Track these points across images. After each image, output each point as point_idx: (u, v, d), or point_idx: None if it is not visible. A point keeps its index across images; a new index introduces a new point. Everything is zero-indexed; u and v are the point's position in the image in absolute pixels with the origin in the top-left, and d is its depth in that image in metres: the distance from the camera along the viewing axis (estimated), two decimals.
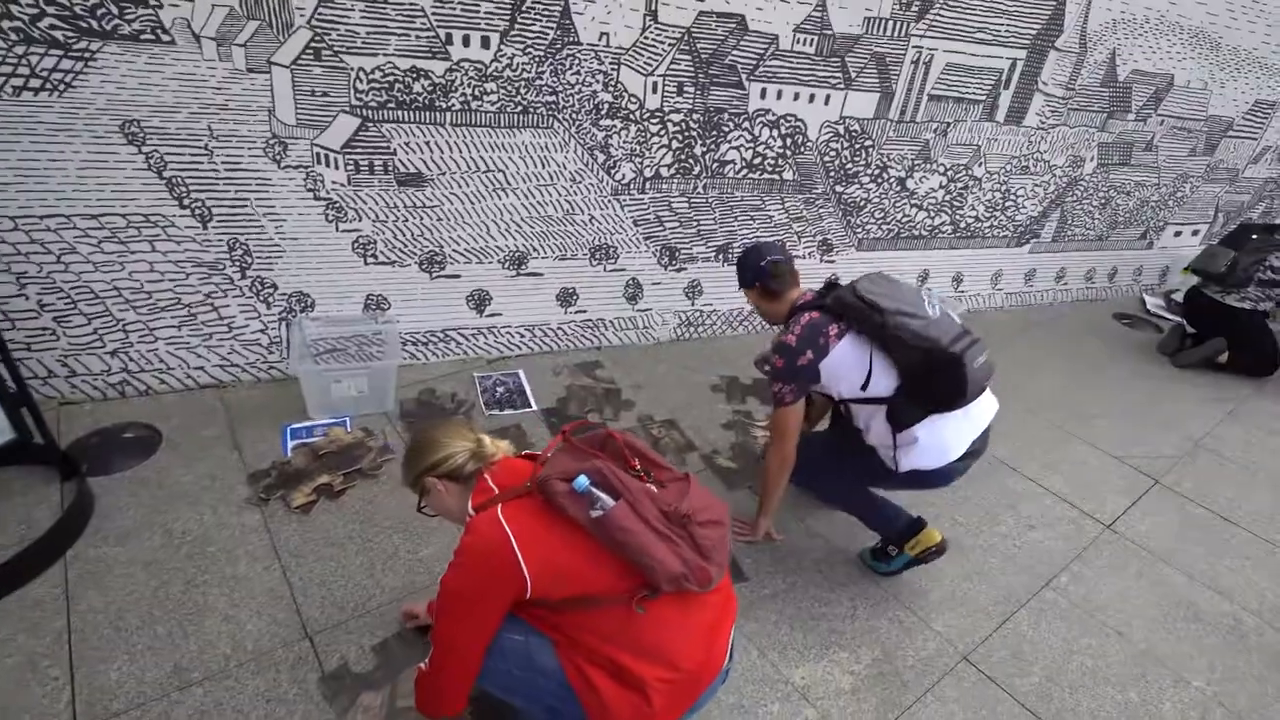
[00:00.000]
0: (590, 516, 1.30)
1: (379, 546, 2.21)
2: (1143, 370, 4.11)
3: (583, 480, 1.32)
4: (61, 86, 2.18)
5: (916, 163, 3.79)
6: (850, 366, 1.99)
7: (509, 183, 2.93)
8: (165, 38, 2.21)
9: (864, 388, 1.98)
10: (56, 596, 1.93)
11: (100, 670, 1.76)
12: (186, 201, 2.48)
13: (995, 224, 4.33)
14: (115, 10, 2.14)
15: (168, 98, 2.30)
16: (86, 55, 2.16)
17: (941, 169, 3.89)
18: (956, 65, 3.55)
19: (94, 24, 2.13)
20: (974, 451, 2.08)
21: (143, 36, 2.19)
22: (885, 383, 1.96)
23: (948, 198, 4.03)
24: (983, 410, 2.07)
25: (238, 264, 2.66)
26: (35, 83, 2.15)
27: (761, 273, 2.15)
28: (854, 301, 1.96)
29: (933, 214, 4.04)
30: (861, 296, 1.95)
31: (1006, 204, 4.28)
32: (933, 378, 1.89)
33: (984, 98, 3.76)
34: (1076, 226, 4.68)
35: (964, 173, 3.98)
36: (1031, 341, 4.32)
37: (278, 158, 2.53)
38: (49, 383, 2.58)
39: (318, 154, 2.57)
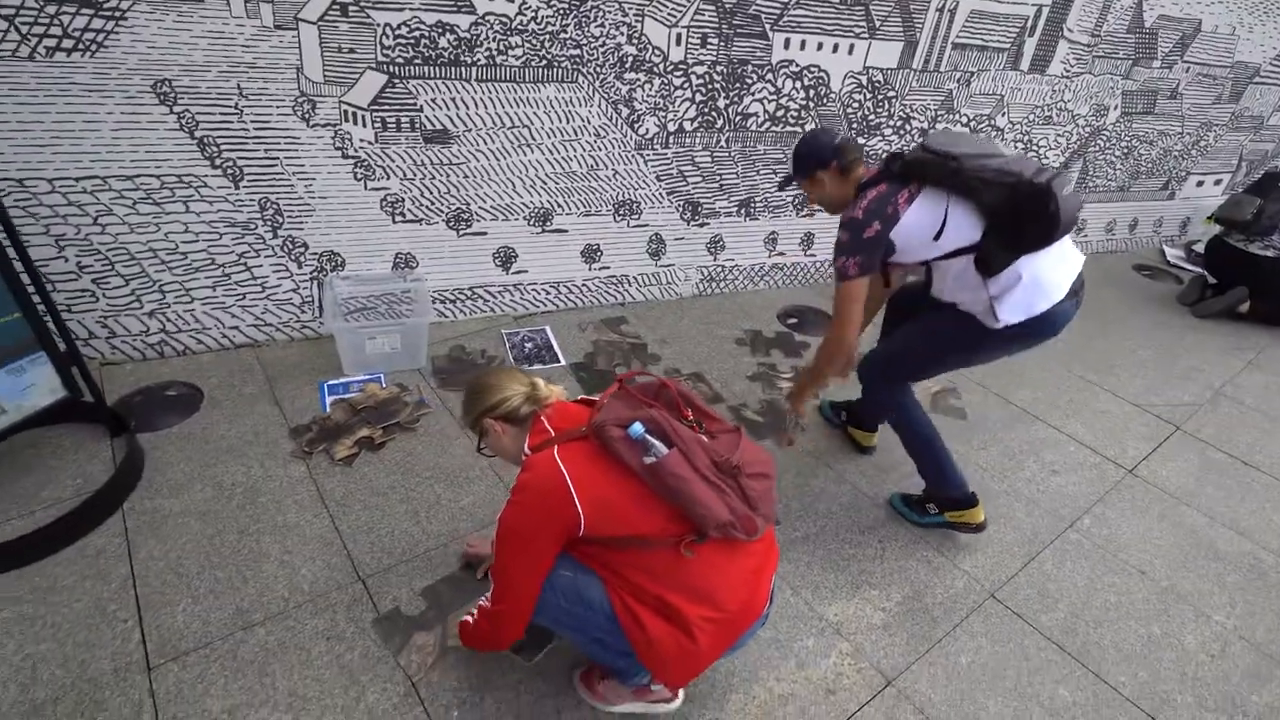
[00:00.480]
0: (644, 463, 1.35)
1: (421, 495, 2.29)
2: (1163, 321, 4.12)
3: (638, 427, 1.36)
4: (94, 46, 2.19)
5: (939, 113, 3.76)
6: (924, 225, 1.90)
7: (534, 138, 2.93)
8: None
9: (937, 238, 1.90)
10: (118, 545, 2.02)
11: (166, 613, 1.85)
12: (218, 161, 2.51)
13: None
14: None
15: (198, 56, 2.31)
16: (117, 14, 2.17)
17: (964, 119, 3.85)
18: (982, 12, 3.49)
19: None
20: (1075, 290, 1.97)
21: None
22: (967, 231, 1.88)
23: None
24: (1073, 251, 1.99)
25: (269, 224, 2.69)
26: (68, 43, 2.16)
27: (837, 150, 2.02)
28: (926, 156, 1.89)
29: None
30: (934, 150, 1.88)
31: (1028, 155, 4.24)
32: (1022, 213, 1.80)
33: (1008, 45, 3.70)
34: (1098, 177, 4.63)
35: (986, 123, 3.94)
36: None
37: (306, 116, 2.54)
38: (90, 344, 2.64)
39: (345, 111, 2.58)
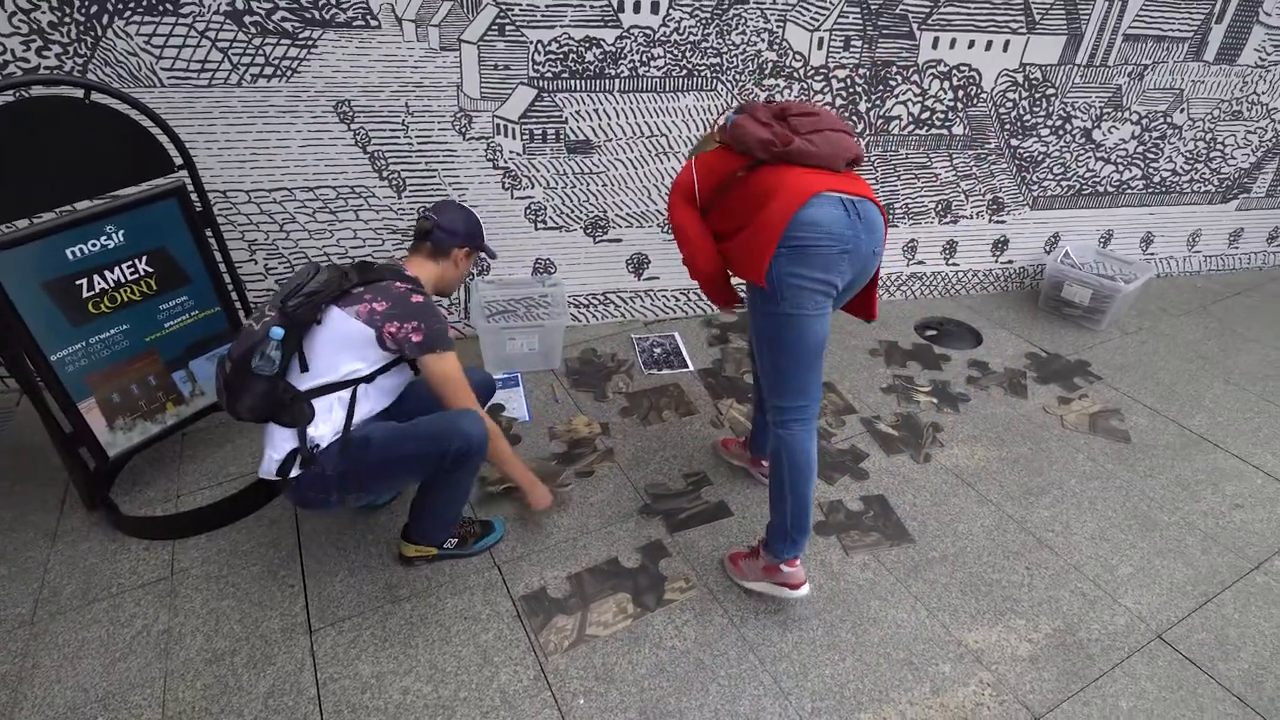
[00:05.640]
0: (725, 129, 1.76)
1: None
2: None
3: (731, 116, 1.76)
4: (288, 73, 2.46)
5: (1105, 111, 3.47)
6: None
7: (671, 147, 2.99)
8: (373, 22, 2.44)
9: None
10: (288, 518, 2.24)
11: (327, 582, 2.03)
12: (385, 173, 2.74)
13: (1196, 178, 3.89)
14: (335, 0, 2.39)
15: (374, 78, 2.54)
16: (309, 43, 2.43)
17: (1135, 117, 3.53)
18: None
19: (316, 14, 2.39)
20: None
21: (355, 23, 2.43)
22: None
23: (1140, 149, 3.66)
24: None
25: None
26: (269, 70, 2.44)
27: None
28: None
29: (1121, 168, 3.69)
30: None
31: (1211, 155, 3.82)
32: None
33: (1191, 34, 3.36)
34: None
35: (1161, 121, 3.60)
36: (1233, 309, 3.86)
37: (463, 130, 2.73)
38: None
39: (498, 125, 2.75)
